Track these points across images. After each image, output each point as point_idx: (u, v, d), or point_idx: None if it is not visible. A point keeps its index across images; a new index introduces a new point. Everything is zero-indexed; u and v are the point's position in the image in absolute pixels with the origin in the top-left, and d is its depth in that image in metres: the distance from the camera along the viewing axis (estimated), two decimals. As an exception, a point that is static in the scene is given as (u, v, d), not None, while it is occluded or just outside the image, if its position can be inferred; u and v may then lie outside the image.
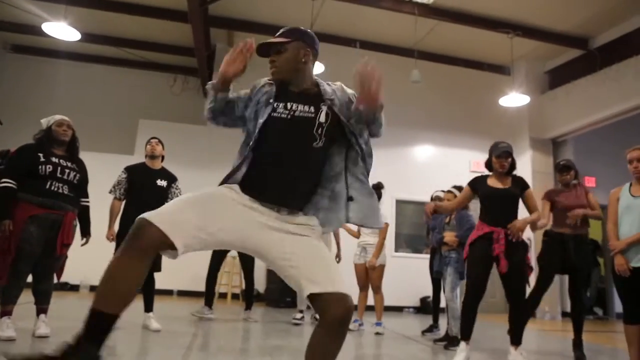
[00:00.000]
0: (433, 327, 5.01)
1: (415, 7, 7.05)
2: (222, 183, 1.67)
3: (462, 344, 3.35)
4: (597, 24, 7.46)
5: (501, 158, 3.45)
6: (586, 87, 7.79)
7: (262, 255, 1.62)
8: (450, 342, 4.06)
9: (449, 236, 4.28)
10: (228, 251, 5.03)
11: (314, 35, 1.83)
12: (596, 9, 7.04)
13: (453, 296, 4.14)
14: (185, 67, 9.36)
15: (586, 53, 7.95)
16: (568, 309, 8.11)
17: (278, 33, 1.78)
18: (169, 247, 1.41)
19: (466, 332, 3.35)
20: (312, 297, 1.48)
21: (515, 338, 3.37)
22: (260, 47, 1.73)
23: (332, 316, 1.46)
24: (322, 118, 1.69)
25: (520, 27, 7.50)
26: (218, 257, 5.13)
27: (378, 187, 5.18)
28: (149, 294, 4.19)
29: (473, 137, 8.75)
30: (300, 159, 1.66)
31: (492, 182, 3.50)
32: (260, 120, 1.65)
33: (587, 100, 7.74)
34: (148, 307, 4.15)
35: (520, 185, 3.51)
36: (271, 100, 1.69)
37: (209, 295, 5.08)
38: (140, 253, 1.39)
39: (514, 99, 7.75)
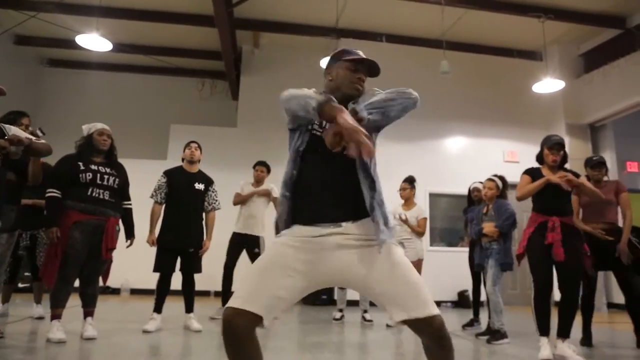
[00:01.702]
0: (474, 322, 4.91)
1: (441, -3, 6.91)
2: (276, 229, 1.66)
3: (544, 339, 3.28)
4: (634, 1, 7.12)
5: (553, 150, 3.43)
6: (625, 67, 7.46)
7: (348, 284, 1.58)
8: (493, 336, 3.97)
9: (488, 227, 4.16)
10: (243, 249, 5.03)
11: None
12: (633, -15, 6.74)
13: (495, 290, 4.04)
14: (212, 71, 9.50)
15: (624, 32, 7.61)
16: (614, 300, 7.85)
17: (355, 52, 1.79)
18: (257, 319, 1.44)
19: (544, 329, 3.29)
20: (404, 322, 1.47)
21: (564, 330, 3.27)
22: (364, 61, 1.75)
23: (428, 338, 1.48)
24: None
25: (551, 10, 7.25)
26: (233, 256, 5.03)
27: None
28: (190, 295, 4.26)
29: (506, 127, 8.53)
30: (341, 174, 1.60)
31: (547, 174, 3.45)
32: (302, 148, 1.62)
33: (627, 81, 7.41)
34: (189, 308, 4.23)
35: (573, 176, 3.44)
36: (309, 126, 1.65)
37: (225, 296, 4.91)
38: (244, 343, 1.44)
39: (548, 85, 7.50)
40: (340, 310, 5.25)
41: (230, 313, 1.43)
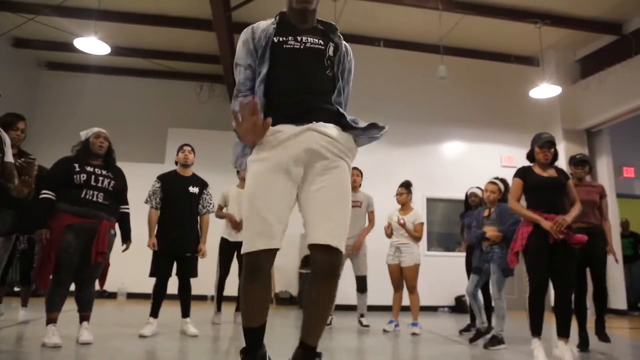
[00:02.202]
0: (471, 326, 4.91)
1: (438, 2, 6.94)
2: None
3: (536, 341, 3.29)
4: (630, 7, 7.17)
5: (544, 148, 3.49)
6: (621, 73, 7.50)
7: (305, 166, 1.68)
8: (491, 341, 3.96)
9: (491, 231, 4.13)
10: (234, 255, 5.00)
11: None
12: (629, -8, 6.79)
13: (501, 295, 4.03)
14: (211, 75, 9.50)
15: (620, 38, 7.66)
16: (612, 305, 7.86)
17: None
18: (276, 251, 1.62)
19: (537, 329, 3.30)
20: (309, 246, 1.65)
21: (563, 330, 3.27)
22: None
23: (317, 267, 1.65)
24: (331, 51, 1.79)
25: (548, 16, 7.30)
26: (226, 266, 5.02)
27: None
28: (186, 299, 4.24)
29: (503, 131, 8.56)
30: (315, 84, 1.73)
31: (539, 172, 3.52)
32: (264, 70, 1.71)
33: (623, 87, 7.46)
34: (185, 313, 4.21)
35: (563, 175, 3.54)
36: (278, 38, 1.74)
37: (219, 301, 5.00)
38: (263, 275, 1.62)
39: (545, 90, 7.54)
40: (362, 315, 5.17)
41: (258, 256, 1.57)
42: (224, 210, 5.18)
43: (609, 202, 8.11)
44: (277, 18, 1.82)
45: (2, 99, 3.03)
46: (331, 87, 1.78)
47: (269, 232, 1.57)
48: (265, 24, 1.79)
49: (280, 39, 1.73)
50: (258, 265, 1.58)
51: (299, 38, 1.73)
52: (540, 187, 3.45)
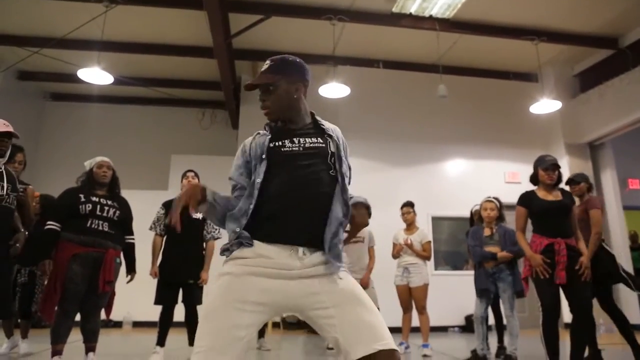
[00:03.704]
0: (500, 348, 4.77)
1: (435, 23, 7.05)
2: (225, 250, 1.53)
3: None
4: (625, 21, 7.26)
5: (549, 171, 3.42)
6: (620, 87, 7.54)
7: (301, 312, 1.49)
8: (504, 361, 3.88)
9: (502, 253, 4.07)
10: None
11: (302, 63, 1.69)
12: (623, 6, 6.86)
13: (514, 313, 3.97)
14: (212, 101, 9.61)
15: (616, 52, 7.73)
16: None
17: (264, 67, 1.66)
18: None
19: (554, 354, 3.23)
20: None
21: (578, 355, 3.20)
22: (248, 87, 1.68)
23: None
24: (332, 148, 1.60)
25: (544, 33, 7.38)
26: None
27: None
28: (193, 327, 4.17)
29: (506, 148, 8.57)
30: (320, 188, 1.51)
31: (544, 195, 3.44)
32: (258, 180, 1.53)
33: (623, 100, 7.48)
34: (192, 341, 4.14)
35: (569, 198, 3.48)
36: (272, 144, 1.58)
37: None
38: None
39: (545, 106, 7.57)
40: None
41: None
42: None
43: (615, 215, 8.14)
44: (266, 128, 1.68)
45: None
46: (334, 187, 1.56)
47: (218, 350, 1.35)
48: (263, 134, 1.66)
49: (277, 144, 1.57)
50: None
51: (295, 140, 1.57)
52: (546, 212, 3.38)
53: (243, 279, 1.43)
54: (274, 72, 1.63)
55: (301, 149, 1.55)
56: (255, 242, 1.48)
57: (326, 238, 1.47)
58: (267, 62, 1.67)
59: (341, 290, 1.46)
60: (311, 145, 1.57)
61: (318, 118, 1.71)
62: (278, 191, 1.50)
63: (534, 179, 3.57)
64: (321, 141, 1.60)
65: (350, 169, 1.66)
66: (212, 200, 1.55)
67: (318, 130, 1.65)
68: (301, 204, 1.48)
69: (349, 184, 1.63)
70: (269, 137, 1.61)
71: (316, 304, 1.44)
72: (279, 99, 1.63)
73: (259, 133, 1.67)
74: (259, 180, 1.53)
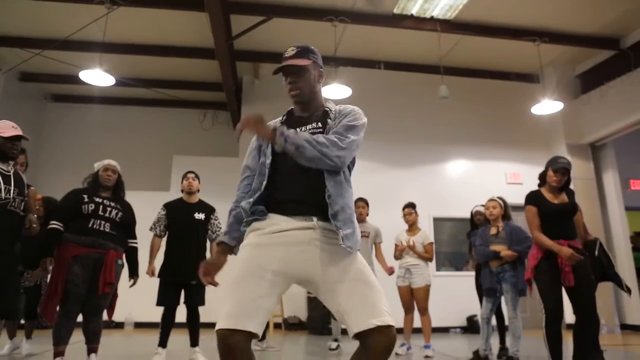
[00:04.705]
0: (501, 350, 4.76)
1: (437, 24, 7.05)
2: (248, 219, 1.66)
3: None
4: (627, 22, 7.26)
5: (558, 173, 3.40)
6: (622, 87, 7.54)
7: (310, 283, 1.61)
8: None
9: (505, 251, 4.06)
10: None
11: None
12: (624, 7, 6.86)
13: (517, 314, 3.96)
14: (214, 102, 9.62)
15: (618, 53, 7.72)
16: (627, 321, 7.70)
17: (292, 52, 1.76)
18: (253, 335, 1.48)
19: (557, 356, 3.23)
20: (355, 336, 1.52)
21: (580, 355, 3.19)
22: (277, 70, 1.75)
23: (375, 348, 1.50)
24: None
25: (546, 34, 7.38)
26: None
27: None
28: (194, 328, 4.18)
29: (507, 149, 8.57)
30: (312, 178, 1.62)
31: (550, 197, 3.43)
32: (267, 161, 1.68)
33: (625, 100, 7.48)
34: (194, 342, 4.15)
35: (574, 198, 3.47)
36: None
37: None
38: (240, 356, 1.47)
39: (547, 107, 7.56)
40: (336, 340, 5.13)
41: (224, 334, 1.45)
42: None
43: (617, 216, 8.13)
44: (284, 116, 1.84)
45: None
46: (334, 177, 1.66)
47: (245, 314, 1.47)
48: (274, 122, 1.79)
49: None
50: (228, 345, 1.44)
51: (298, 130, 1.66)
52: (552, 215, 3.36)
53: (262, 248, 1.57)
54: (305, 57, 1.76)
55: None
56: (270, 214, 1.62)
57: (331, 212, 1.58)
58: (293, 48, 1.78)
59: (349, 266, 1.57)
60: (310, 132, 1.68)
61: (330, 106, 1.79)
62: (284, 172, 1.65)
63: (542, 177, 3.55)
64: (320, 127, 1.71)
65: (347, 126, 1.70)
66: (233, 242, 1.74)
67: (323, 115, 1.76)
68: (302, 184, 1.62)
69: (352, 164, 1.75)
70: (281, 123, 1.76)
71: (325, 276, 1.56)
72: (308, 82, 1.75)
73: (273, 122, 1.80)
74: (268, 161, 1.68)
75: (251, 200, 1.65)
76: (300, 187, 1.62)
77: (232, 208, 1.77)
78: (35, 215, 3.37)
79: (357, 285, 1.55)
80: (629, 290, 3.55)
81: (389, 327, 1.51)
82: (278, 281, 1.55)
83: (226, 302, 1.50)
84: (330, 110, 1.77)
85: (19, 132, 3.12)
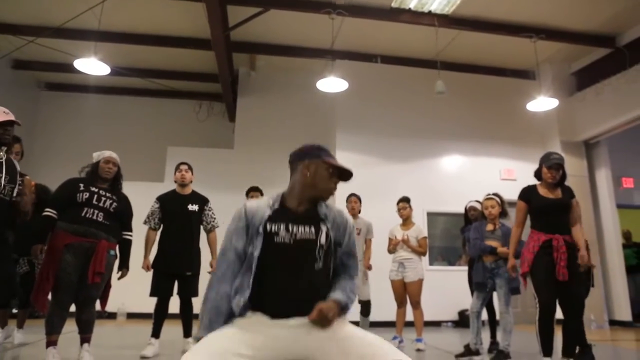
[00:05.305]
0: (492, 344, 4.80)
1: (435, 19, 7.04)
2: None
3: None
4: (623, 20, 7.28)
5: (552, 169, 3.44)
6: (617, 85, 7.57)
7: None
8: (497, 356, 3.91)
9: (502, 248, 4.08)
10: None
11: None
12: (621, 5, 6.87)
13: (508, 309, 3.99)
14: (209, 94, 9.57)
15: (614, 51, 7.75)
16: (616, 317, 7.79)
17: (332, 156, 1.77)
18: None
19: (548, 350, 3.28)
20: None
21: (569, 350, 3.24)
22: (345, 172, 1.75)
23: None
24: (323, 240, 1.66)
25: (542, 30, 7.39)
26: None
27: None
28: (187, 319, 4.20)
29: (502, 145, 8.60)
30: (304, 282, 1.61)
31: (544, 192, 3.47)
32: (256, 253, 1.62)
33: (619, 99, 7.52)
34: (187, 333, 4.17)
35: (569, 194, 3.50)
36: (268, 227, 1.65)
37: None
38: None
39: (542, 103, 7.59)
40: None
41: None
42: None
43: (609, 213, 8.21)
44: (272, 202, 1.73)
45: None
46: (323, 279, 1.67)
47: None
48: (263, 206, 1.71)
49: (273, 228, 1.64)
50: None
51: (290, 228, 1.64)
52: (544, 209, 3.41)
53: (242, 334, 1.51)
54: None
55: (292, 241, 1.63)
56: (255, 313, 1.58)
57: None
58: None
59: (331, 340, 1.51)
60: (302, 237, 1.64)
61: (320, 203, 1.75)
62: (271, 276, 1.60)
63: (537, 175, 3.59)
64: (313, 232, 1.66)
65: (351, 256, 1.76)
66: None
67: (315, 217, 1.70)
68: (290, 289, 1.59)
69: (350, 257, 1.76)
70: (269, 214, 1.68)
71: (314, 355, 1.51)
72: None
73: (257, 205, 1.72)
74: (256, 253, 1.61)
75: (241, 301, 1.59)
76: (285, 295, 1.58)
77: (210, 298, 1.65)
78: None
79: (351, 350, 1.48)
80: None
81: None
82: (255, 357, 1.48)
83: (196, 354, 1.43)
84: (325, 213, 1.73)
85: (11, 117, 3.08)
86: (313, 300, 1.55)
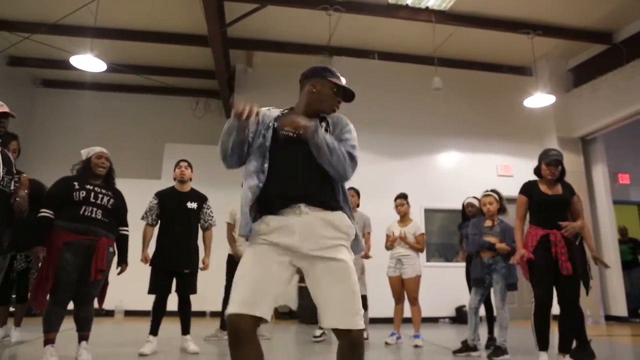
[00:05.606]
0: (489, 340, 4.82)
1: (432, 15, 7.02)
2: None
3: (543, 355, 3.31)
4: (620, 17, 7.28)
5: (551, 166, 3.46)
6: (614, 82, 7.59)
7: (303, 269, 1.75)
8: (495, 352, 3.93)
9: (500, 244, 4.10)
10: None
11: None
12: (618, 1, 6.88)
13: (504, 305, 4.02)
14: (206, 90, 9.53)
15: (611, 47, 7.76)
16: (612, 312, 7.84)
17: (338, 76, 1.99)
18: (261, 320, 1.63)
19: (544, 344, 3.31)
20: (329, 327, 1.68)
21: (566, 345, 3.26)
22: (347, 90, 1.97)
23: (347, 345, 1.67)
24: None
25: (539, 27, 7.39)
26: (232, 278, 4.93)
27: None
28: (186, 316, 4.20)
29: (499, 141, 8.61)
30: (309, 170, 1.76)
31: (545, 189, 3.50)
32: (267, 144, 1.81)
33: (616, 95, 7.53)
34: (185, 330, 4.17)
35: (569, 190, 3.52)
36: (277, 123, 1.85)
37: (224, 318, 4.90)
38: (247, 342, 1.61)
39: (539, 100, 7.60)
40: (321, 328, 5.16)
41: (234, 318, 1.59)
42: (235, 230, 4.97)
43: (605, 209, 8.25)
44: (283, 110, 1.97)
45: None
46: (320, 175, 1.78)
47: (254, 300, 1.61)
48: (275, 111, 1.95)
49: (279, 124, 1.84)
50: (238, 329, 1.58)
51: None
52: (544, 205, 3.43)
53: (265, 247, 1.70)
54: None
55: (295, 135, 1.79)
56: (266, 217, 1.73)
57: (323, 199, 1.74)
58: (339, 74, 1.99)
59: (333, 265, 1.68)
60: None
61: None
62: (278, 164, 1.78)
63: (537, 172, 3.61)
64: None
65: (345, 139, 1.87)
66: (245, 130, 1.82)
67: (319, 120, 1.88)
68: (294, 176, 1.76)
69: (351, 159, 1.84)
70: (278, 114, 1.90)
71: (312, 269, 1.70)
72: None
73: (269, 109, 1.96)
74: (268, 143, 1.81)
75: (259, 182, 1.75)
76: (292, 182, 1.74)
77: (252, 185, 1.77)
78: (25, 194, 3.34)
79: (336, 286, 1.66)
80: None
81: (358, 331, 1.64)
82: (284, 267, 1.69)
83: (236, 290, 1.64)
84: (327, 120, 1.91)
85: (5, 109, 3.06)
86: (314, 188, 1.74)
